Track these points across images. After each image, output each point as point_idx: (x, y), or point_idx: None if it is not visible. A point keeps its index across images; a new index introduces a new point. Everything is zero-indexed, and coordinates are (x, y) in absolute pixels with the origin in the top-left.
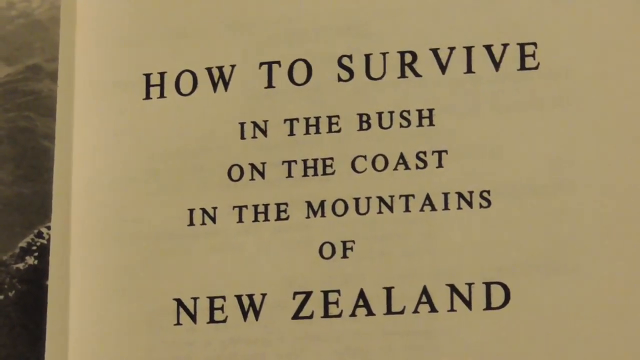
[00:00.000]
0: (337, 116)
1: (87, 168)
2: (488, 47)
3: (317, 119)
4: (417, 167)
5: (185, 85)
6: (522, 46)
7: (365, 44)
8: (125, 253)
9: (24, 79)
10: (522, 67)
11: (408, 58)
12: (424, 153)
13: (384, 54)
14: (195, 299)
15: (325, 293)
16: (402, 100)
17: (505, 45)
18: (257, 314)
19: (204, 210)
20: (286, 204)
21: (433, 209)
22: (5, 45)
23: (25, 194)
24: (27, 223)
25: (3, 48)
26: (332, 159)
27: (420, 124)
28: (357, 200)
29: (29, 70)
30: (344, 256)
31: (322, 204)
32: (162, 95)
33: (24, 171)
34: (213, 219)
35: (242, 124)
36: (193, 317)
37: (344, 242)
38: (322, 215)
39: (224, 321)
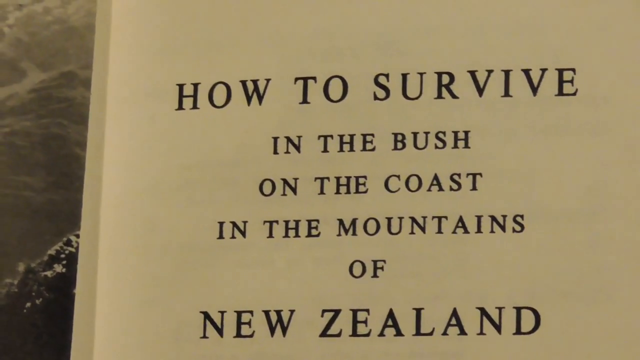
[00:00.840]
0: (372, 134)
1: (117, 177)
2: (526, 71)
3: (352, 136)
4: (451, 188)
5: (219, 97)
6: (560, 72)
7: (403, 63)
8: (154, 264)
9: (58, 86)
10: (560, 92)
11: (445, 79)
12: (459, 175)
13: (421, 74)
14: (222, 312)
15: (354, 312)
16: (438, 121)
17: (543, 70)
18: (284, 330)
19: (234, 224)
20: (317, 220)
21: (466, 231)
22: (41, 50)
23: (56, 201)
24: (56, 231)
25: (38, 54)
26: (365, 177)
27: (456, 146)
28: (389, 219)
29: (63, 77)
30: (374, 275)
31: (353, 222)
32: (194, 107)
33: (55, 178)
34: (243, 233)
35: (275, 139)
36: (220, 331)
37: (375, 262)
38: (354, 233)
39: (251, 336)
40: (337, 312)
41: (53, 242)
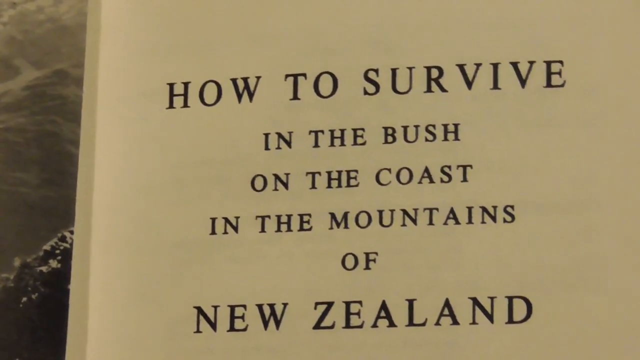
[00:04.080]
0: (362, 129)
1: (110, 175)
2: (514, 64)
3: (342, 131)
4: (442, 180)
5: (210, 95)
6: (548, 64)
7: (392, 58)
8: (147, 260)
9: (52, 84)
10: (548, 84)
11: (434, 73)
12: (449, 167)
13: (410, 68)
14: (215, 307)
15: (347, 304)
16: (428, 115)
17: (531, 63)
18: (278, 323)
19: (227, 220)
20: (309, 214)
21: (457, 222)
22: (34, 48)
23: (51, 197)
24: (51, 226)
25: (32, 51)
26: (356, 171)
27: (446, 139)
28: (380, 212)
29: (56, 75)
30: (367, 267)
31: (345, 215)
32: (185, 105)
33: (49, 175)
34: (235, 229)
35: (266, 135)
36: (213, 325)
37: (367, 254)
38: (346, 226)
39: (245, 330)
40: (330, 305)
41: (48, 237)
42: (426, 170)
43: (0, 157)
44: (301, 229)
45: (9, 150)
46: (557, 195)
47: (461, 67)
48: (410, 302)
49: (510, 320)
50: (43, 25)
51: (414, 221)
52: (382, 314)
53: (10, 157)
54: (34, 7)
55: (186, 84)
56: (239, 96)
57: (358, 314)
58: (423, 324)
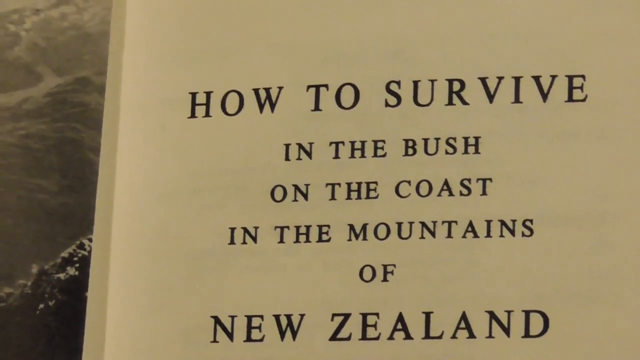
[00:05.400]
0: (383, 141)
1: (130, 183)
2: (536, 78)
3: (363, 143)
4: (461, 193)
5: (232, 105)
6: (570, 78)
7: (414, 70)
8: (165, 269)
9: (73, 91)
10: (570, 98)
11: (456, 86)
12: (469, 180)
13: (432, 81)
14: (232, 317)
15: (364, 316)
16: (449, 127)
17: (553, 77)
18: (294, 334)
19: (246, 230)
20: (328, 226)
21: (475, 236)
22: (57, 55)
23: (70, 204)
24: (69, 234)
25: (54, 58)
26: (376, 182)
27: (466, 152)
28: (399, 224)
29: (78, 83)
30: (384, 279)
31: (364, 227)
32: (207, 114)
33: (69, 182)
34: (254, 239)
35: (287, 145)
36: (230, 335)
37: (385, 266)
38: (364, 238)
39: (261, 340)
40: (347, 316)
41: (66, 245)
42: (446, 183)
43: (19, 163)
44: (320, 240)
45: (29, 157)
46: (576, 209)
47: (483, 80)
48: (427, 315)
49: (527, 335)
50: (66, 33)
51: (433, 234)
52: (399, 326)
53: (30, 164)
54: (57, 14)
55: (208, 94)
56: (261, 106)
57: (375, 326)
58: (439, 337)
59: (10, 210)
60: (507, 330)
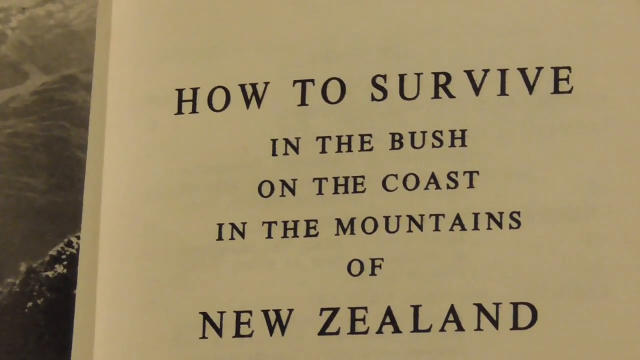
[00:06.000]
0: (370, 135)
1: (117, 180)
2: (522, 70)
3: (350, 137)
4: (448, 187)
5: (218, 101)
6: (556, 70)
7: (400, 64)
8: (153, 266)
9: (60, 89)
10: (556, 90)
11: (442, 79)
12: (455, 173)
13: (418, 74)
14: (221, 313)
15: (353, 310)
16: (435, 121)
17: (539, 69)
18: (283, 329)
19: (234, 226)
20: (316, 220)
21: (463, 228)
22: (43, 53)
23: (58, 202)
24: (58, 231)
25: (41, 56)
26: (363, 177)
27: (453, 145)
28: (387, 218)
29: (65, 80)
30: (372, 273)
31: (352, 221)
32: (194, 111)
33: (57, 180)
34: (242, 234)
35: (274, 141)
36: (219, 331)
37: (373, 260)
38: (352, 232)
39: (250, 335)
40: (335, 311)
41: (54, 242)
42: (433, 176)
43: (8, 162)
44: (307, 234)
45: (17, 155)
46: (564, 201)
47: (469, 73)
48: (416, 308)
49: (515, 327)
50: (52, 31)
51: (420, 227)
52: (387, 320)
53: (18, 162)
54: (43, 12)
55: (195, 90)
56: (247, 102)
57: (363, 320)
58: (428, 330)
59: None
60: (495, 323)
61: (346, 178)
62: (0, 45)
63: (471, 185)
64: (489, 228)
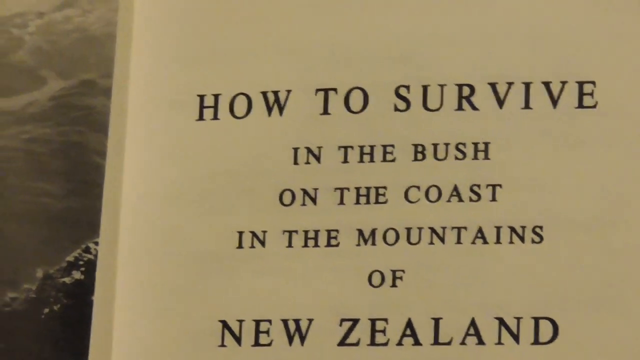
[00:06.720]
0: (392, 145)
1: (137, 186)
2: (546, 84)
3: (372, 147)
4: (471, 199)
5: (240, 108)
6: (580, 84)
7: (424, 75)
8: (172, 272)
9: (78, 94)
10: (580, 105)
11: (466, 91)
12: (478, 186)
13: (441, 85)
14: (240, 321)
15: (373, 321)
16: (458, 133)
17: (563, 83)
18: (302, 339)
19: (254, 234)
20: (337, 230)
21: (485, 242)
22: (61, 58)
23: (75, 208)
24: (75, 237)
25: (58, 61)
26: (385, 187)
27: (476, 157)
28: (408, 230)
29: (83, 85)
30: (393, 285)
31: (373, 232)
32: (215, 117)
33: (74, 186)
34: (262, 243)
35: (295, 149)
36: (238, 340)
37: (394, 271)
38: (373, 243)
39: (269, 345)
40: (355, 321)
41: (71, 249)
42: (455, 188)
43: (24, 167)
44: (328, 244)
45: (34, 161)
46: (586, 216)
47: (493, 85)
48: (436, 321)
49: (536, 341)
50: (70, 36)
51: (442, 239)
52: (408, 332)
53: (34, 168)
54: (61, 17)
55: (216, 96)
56: (269, 109)
57: (383, 331)
58: (448, 343)
59: (15, 214)
60: (516, 337)
61: (368, 188)
62: (17, 51)
63: (494, 199)
64: (510, 242)
